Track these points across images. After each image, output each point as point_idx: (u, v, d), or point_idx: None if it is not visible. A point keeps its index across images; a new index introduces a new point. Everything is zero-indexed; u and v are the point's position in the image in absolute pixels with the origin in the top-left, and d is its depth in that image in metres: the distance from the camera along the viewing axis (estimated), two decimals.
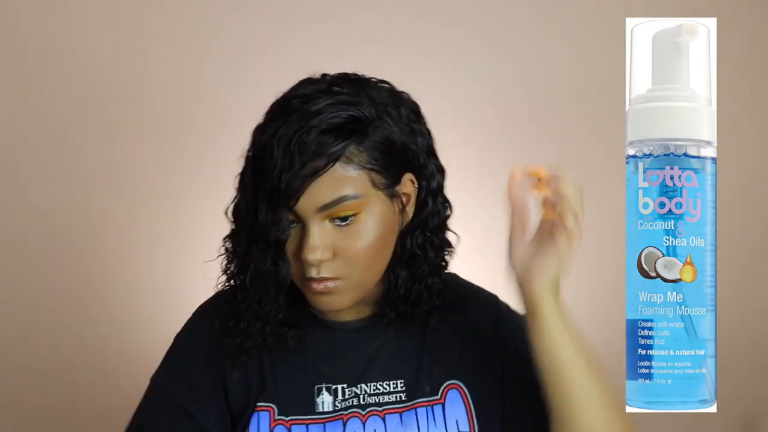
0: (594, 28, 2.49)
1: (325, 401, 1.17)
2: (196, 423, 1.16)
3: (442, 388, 1.18)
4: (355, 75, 1.14)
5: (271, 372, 1.17)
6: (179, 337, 1.23)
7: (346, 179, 1.06)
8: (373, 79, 1.14)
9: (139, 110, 2.36)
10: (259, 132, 1.08)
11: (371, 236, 1.09)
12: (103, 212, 2.34)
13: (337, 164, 1.05)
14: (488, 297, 1.26)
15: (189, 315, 1.25)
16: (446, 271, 1.21)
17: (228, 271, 1.16)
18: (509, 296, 1.16)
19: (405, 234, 1.15)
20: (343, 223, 1.07)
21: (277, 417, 1.16)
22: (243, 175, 1.11)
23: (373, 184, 1.08)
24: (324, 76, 1.13)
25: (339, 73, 1.13)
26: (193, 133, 2.36)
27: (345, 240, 1.08)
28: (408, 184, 1.13)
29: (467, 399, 1.18)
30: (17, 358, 2.29)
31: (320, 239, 1.07)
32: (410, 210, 1.14)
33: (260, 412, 1.16)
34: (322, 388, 1.17)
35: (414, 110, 1.15)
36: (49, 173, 2.33)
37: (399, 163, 1.11)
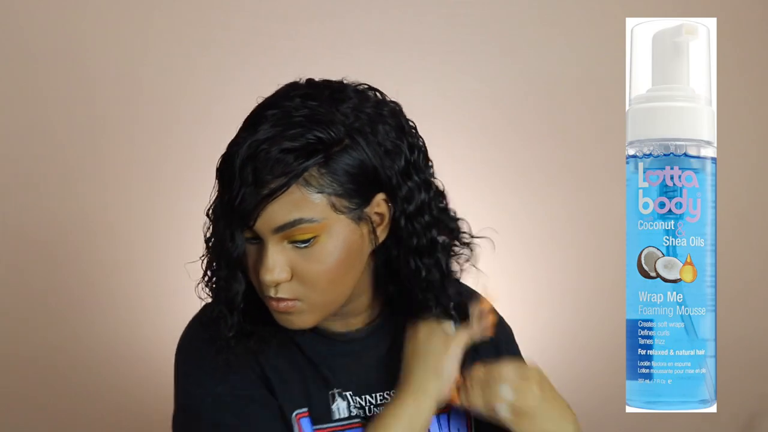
0: (594, 28, 2.49)
1: (340, 407, 1.16)
2: (266, 401, 1.13)
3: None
4: (339, 84, 1.09)
5: (280, 381, 1.16)
6: (188, 350, 1.19)
7: (303, 202, 1.02)
8: (361, 87, 1.09)
9: (139, 110, 2.36)
10: (230, 142, 1.05)
11: (330, 260, 1.05)
12: (100, 213, 2.34)
13: (294, 186, 1.01)
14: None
15: (188, 315, 1.24)
16: (456, 277, 1.16)
17: (203, 278, 1.14)
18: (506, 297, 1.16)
19: (386, 250, 1.11)
20: (303, 245, 1.04)
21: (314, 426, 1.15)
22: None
23: (334, 207, 1.03)
24: (307, 82, 1.08)
25: (321, 82, 1.09)
26: (194, 132, 2.36)
27: (303, 263, 1.05)
28: (381, 204, 1.08)
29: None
30: (18, 357, 2.29)
31: (276, 260, 1.04)
32: (384, 230, 1.09)
33: (302, 419, 1.14)
34: (335, 394, 1.16)
35: (397, 126, 1.08)
36: (49, 173, 2.34)
37: (369, 185, 1.05)
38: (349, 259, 1.07)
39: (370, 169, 1.05)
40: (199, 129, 2.36)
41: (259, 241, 1.06)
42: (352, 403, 1.16)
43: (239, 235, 1.04)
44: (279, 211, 1.02)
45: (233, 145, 1.03)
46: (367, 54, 2.39)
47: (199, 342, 1.16)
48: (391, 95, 1.13)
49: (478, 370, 1.11)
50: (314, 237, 1.03)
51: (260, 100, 1.09)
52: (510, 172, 2.49)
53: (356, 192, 1.04)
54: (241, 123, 1.07)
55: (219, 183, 1.05)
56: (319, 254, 1.04)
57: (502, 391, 1.09)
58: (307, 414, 1.14)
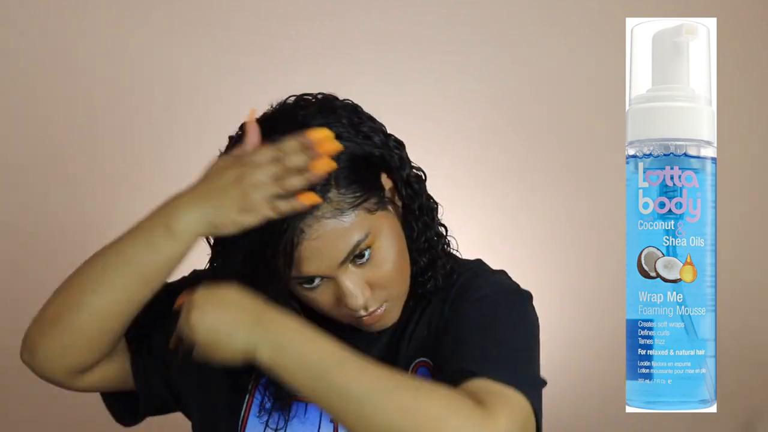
0: (594, 28, 2.49)
1: None
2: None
3: (412, 365, 1.15)
4: (282, 111, 1.09)
5: None
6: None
7: (347, 228, 1.04)
8: (302, 100, 1.10)
9: (139, 110, 2.36)
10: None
11: (393, 254, 1.08)
12: (101, 212, 2.34)
13: (333, 220, 1.03)
14: (475, 271, 1.19)
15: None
16: (450, 250, 1.18)
17: None
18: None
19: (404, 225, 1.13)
20: (364, 260, 1.06)
21: None
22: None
23: (368, 211, 1.06)
24: (261, 120, 1.08)
25: (267, 119, 1.09)
26: (194, 132, 2.36)
27: (374, 271, 1.07)
28: (387, 181, 1.11)
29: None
30: (16, 357, 2.29)
31: (355, 285, 1.06)
32: (398, 202, 1.12)
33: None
34: None
35: (351, 110, 1.10)
36: (48, 173, 2.33)
37: (372, 172, 1.08)
38: (401, 242, 1.10)
39: (363, 160, 1.07)
40: (199, 129, 2.36)
41: (316, 285, 1.07)
42: None
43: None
44: (333, 249, 1.04)
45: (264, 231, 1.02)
46: (367, 54, 2.39)
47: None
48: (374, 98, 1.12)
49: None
50: (370, 247, 1.06)
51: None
52: (510, 172, 2.49)
53: (370, 186, 1.07)
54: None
55: (247, 256, 1.04)
56: (383, 257, 1.07)
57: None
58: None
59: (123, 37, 2.35)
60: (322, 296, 1.08)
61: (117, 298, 1.08)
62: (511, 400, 0.97)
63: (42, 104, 2.34)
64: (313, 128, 1.03)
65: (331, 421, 1.15)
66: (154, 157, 2.37)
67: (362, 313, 1.08)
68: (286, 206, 1.01)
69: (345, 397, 0.96)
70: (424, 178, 1.16)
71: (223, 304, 1.00)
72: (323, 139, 1.02)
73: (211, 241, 1.11)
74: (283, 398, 1.14)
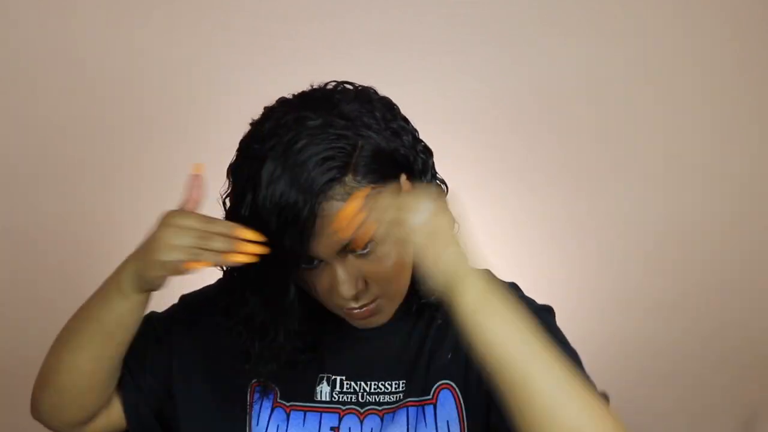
0: (594, 28, 2.49)
1: (323, 391, 1.16)
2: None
3: (434, 387, 1.15)
4: (320, 91, 1.10)
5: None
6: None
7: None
8: (342, 85, 1.10)
9: (138, 110, 2.36)
10: (250, 188, 1.04)
11: (395, 253, 1.07)
12: (104, 211, 2.34)
13: (341, 203, 1.02)
14: None
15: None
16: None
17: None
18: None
19: None
20: (365, 251, 1.05)
21: (279, 400, 1.16)
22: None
23: None
24: (293, 101, 1.09)
25: (304, 95, 1.10)
26: (194, 132, 2.36)
27: (372, 266, 1.06)
28: (406, 184, 1.09)
29: (459, 400, 1.15)
30: (18, 357, 2.29)
31: (350, 275, 1.06)
32: None
33: (256, 387, 1.17)
34: (323, 377, 1.17)
35: (386, 106, 1.10)
36: (49, 172, 2.34)
37: (392, 170, 1.07)
38: (406, 242, 1.08)
39: (387, 155, 1.06)
40: (199, 129, 2.36)
41: (315, 265, 1.06)
42: (338, 389, 1.16)
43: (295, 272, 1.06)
44: (334, 232, 1.02)
45: (260, 198, 1.02)
46: (367, 54, 2.39)
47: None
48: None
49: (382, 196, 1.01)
50: (371, 241, 1.04)
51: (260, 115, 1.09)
52: (510, 171, 2.49)
53: (387, 181, 1.05)
54: (241, 159, 1.08)
55: (264, 229, 1.04)
56: (385, 254, 1.06)
57: (418, 212, 0.98)
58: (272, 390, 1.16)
59: (123, 37, 2.35)
60: (318, 279, 1.07)
61: (90, 356, 1.13)
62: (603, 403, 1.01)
63: (42, 104, 2.34)
64: (242, 229, 1.03)
65: (331, 429, 1.15)
66: (154, 157, 2.37)
67: (352, 304, 1.08)
68: (210, 258, 1.03)
69: (548, 371, 0.95)
70: (445, 190, 1.14)
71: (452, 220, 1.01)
72: (248, 239, 1.03)
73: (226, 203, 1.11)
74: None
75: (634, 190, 2.51)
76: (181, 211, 1.07)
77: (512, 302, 0.98)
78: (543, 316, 1.13)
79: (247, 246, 1.02)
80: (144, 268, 1.06)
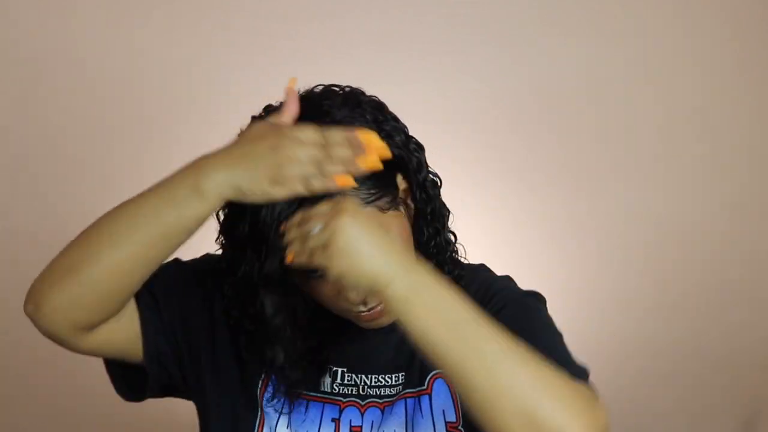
0: (594, 28, 2.49)
1: (325, 381, 1.16)
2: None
3: (429, 377, 1.15)
4: (306, 98, 1.08)
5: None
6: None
7: None
8: (329, 90, 1.09)
9: (138, 110, 2.36)
10: (248, 204, 1.02)
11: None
12: (104, 211, 2.34)
13: None
14: (486, 278, 1.19)
15: None
16: (461, 257, 1.18)
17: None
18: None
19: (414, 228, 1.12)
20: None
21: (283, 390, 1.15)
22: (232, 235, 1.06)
23: (381, 210, 1.05)
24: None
25: (301, 99, 1.07)
26: (194, 132, 2.36)
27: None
28: (402, 182, 1.10)
29: (453, 389, 1.14)
30: (18, 357, 2.29)
31: None
32: (410, 204, 1.12)
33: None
34: (326, 368, 1.16)
35: (376, 107, 1.09)
36: (49, 172, 2.34)
37: (389, 172, 1.07)
38: (410, 242, 1.09)
39: (383, 159, 1.04)
40: (199, 129, 2.36)
41: (320, 274, 1.03)
42: (339, 380, 1.16)
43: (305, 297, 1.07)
44: None
45: (260, 211, 1.01)
46: (367, 54, 2.39)
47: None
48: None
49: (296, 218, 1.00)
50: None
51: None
52: (510, 171, 2.49)
53: (385, 184, 1.06)
54: None
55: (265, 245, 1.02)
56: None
57: (314, 229, 0.97)
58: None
59: (123, 37, 2.36)
60: (324, 286, 1.07)
61: (134, 254, 1.05)
62: (594, 392, 1.00)
63: (42, 104, 2.34)
64: (364, 130, 1.01)
65: (332, 420, 1.15)
66: (154, 157, 2.37)
67: (361, 308, 1.08)
68: (319, 185, 0.98)
69: (478, 353, 0.93)
70: (439, 184, 1.14)
71: (377, 224, 0.98)
72: (375, 145, 1.00)
73: (221, 217, 1.09)
74: (292, 393, 1.14)
75: (634, 190, 2.51)
76: (293, 125, 1.02)
77: (450, 295, 0.97)
78: (526, 302, 1.14)
79: (370, 153, 0.99)
80: (248, 179, 0.99)
